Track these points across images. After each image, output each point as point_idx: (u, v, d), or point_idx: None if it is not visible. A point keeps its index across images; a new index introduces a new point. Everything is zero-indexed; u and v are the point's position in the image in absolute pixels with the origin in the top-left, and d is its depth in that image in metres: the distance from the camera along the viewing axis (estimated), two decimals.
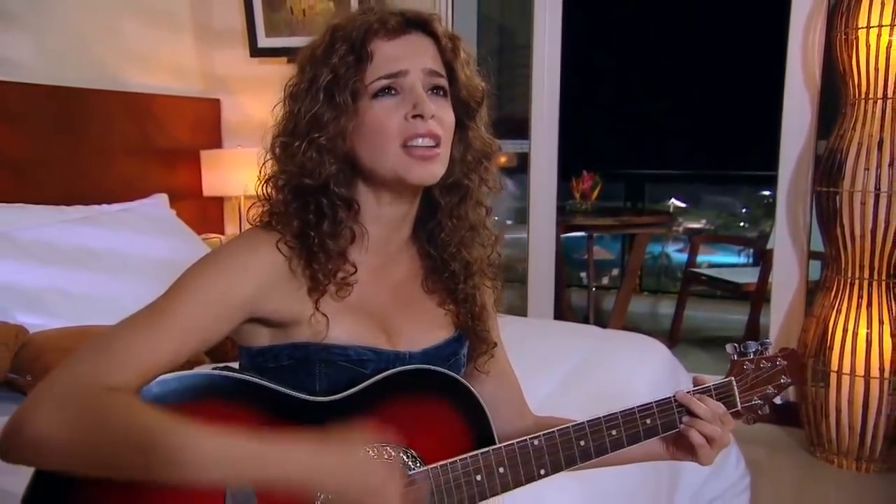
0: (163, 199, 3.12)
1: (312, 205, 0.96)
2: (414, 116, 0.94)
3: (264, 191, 1.00)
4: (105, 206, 2.83)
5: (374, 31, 0.96)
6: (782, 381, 1.17)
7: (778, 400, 1.18)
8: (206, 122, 3.61)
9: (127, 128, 3.16)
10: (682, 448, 1.10)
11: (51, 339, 1.92)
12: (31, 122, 2.77)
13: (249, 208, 1.02)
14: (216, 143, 3.64)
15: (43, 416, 0.79)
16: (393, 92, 0.96)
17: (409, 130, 0.94)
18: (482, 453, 0.98)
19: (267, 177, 1.00)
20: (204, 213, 3.51)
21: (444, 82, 1.00)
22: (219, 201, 3.54)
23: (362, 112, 0.96)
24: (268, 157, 1.00)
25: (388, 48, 0.96)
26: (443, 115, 0.97)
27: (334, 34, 0.97)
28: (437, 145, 0.96)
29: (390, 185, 0.99)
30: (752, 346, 1.17)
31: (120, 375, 0.83)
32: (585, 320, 4.56)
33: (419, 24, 0.99)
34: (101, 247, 2.53)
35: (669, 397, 1.08)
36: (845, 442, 2.76)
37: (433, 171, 0.97)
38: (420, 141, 0.95)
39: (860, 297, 2.72)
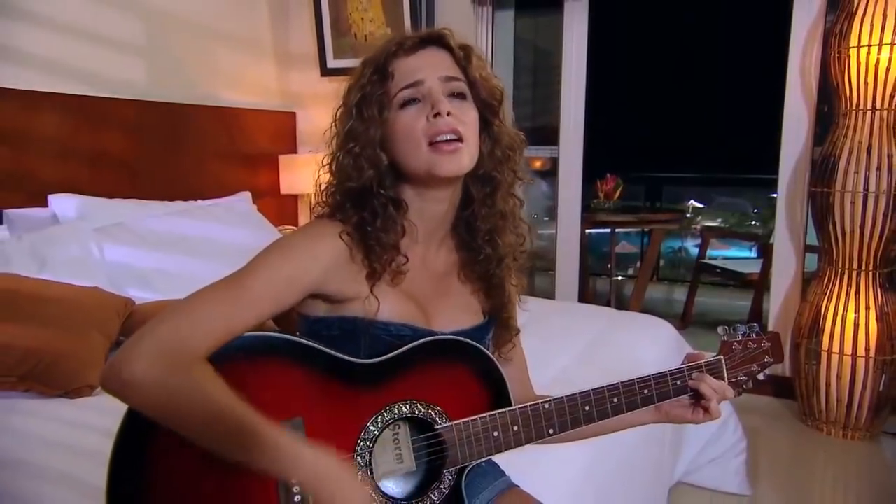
0: (247, 196, 3.17)
1: (367, 205, 0.96)
2: (434, 116, 0.94)
3: (322, 198, 1.02)
4: (200, 202, 2.89)
5: (392, 52, 0.96)
6: (766, 360, 1.15)
7: (761, 376, 1.16)
8: (283, 132, 3.66)
9: (218, 137, 3.23)
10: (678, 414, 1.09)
11: (152, 310, 1.97)
12: (142, 132, 2.86)
13: (313, 208, 1.04)
14: (292, 149, 3.69)
15: (140, 364, 0.81)
16: (416, 101, 0.95)
17: (431, 129, 0.94)
18: (499, 413, 0.98)
19: (322, 187, 1.02)
20: (281, 208, 3.56)
21: (462, 86, 0.98)
22: (294, 198, 3.60)
23: (392, 122, 0.96)
24: (322, 171, 1.02)
25: (406, 64, 0.96)
26: (462, 114, 0.96)
27: (364, 64, 0.98)
28: (460, 139, 0.94)
29: (427, 182, 0.98)
30: (741, 328, 1.15)
31: (204, 335, 0.85)
32: (608, 304, 4.55)
33: (433, 40, 0.99)
34: (195, 235, 2.59)
35: (665, 371, 1.06)
36: (834, 413, 2.72)
37: (460, 162, 0.95)
38: (443, 136, 0.94)
39: (849, 285, 2.67)
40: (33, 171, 2.48)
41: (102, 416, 0.86)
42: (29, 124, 2.47)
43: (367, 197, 0.97)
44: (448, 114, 0.94)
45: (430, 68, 0.97)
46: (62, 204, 2.45)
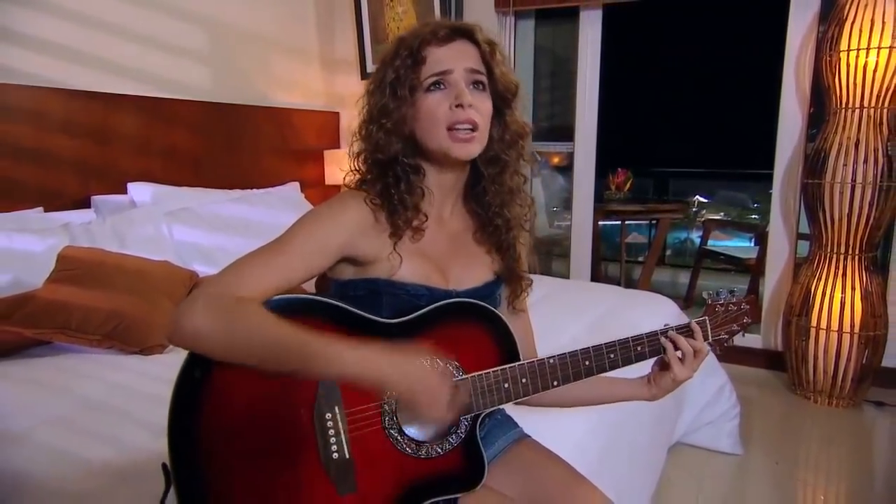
0: (296, 186, 3.22)
1: (390, 172, 0.98)
2: (457, 106, 0.94)
3: (354, 164, 1.02)
4: (255, 190, 2.93)
5: (427, 40, 0.96)
6: (745, 321, 1.15)
7: (740, 336, 1.16)
8: (328, 129, 3.68)
9: (271, 133, 3.27)
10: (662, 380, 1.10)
11: None
12: (206, 129, 2.92)
13: (345, 177, 1.03)
14: (335, 144, 3.71)
15: (195, 315, 0.82)
16: (441, 87, 0.96)
17: (452, 118, 0.95)
18: (510, 367, 0.98)
19: (354, 153, 1.02)
20: (326, 196, 3.46)
21: (483, 78, 0.98)
22: (337, 188, 3.56)
23: (419, 103, 0.96)
24: (355, 138, 1.01)
25: (438, 53, 0.96)
26: (480, 105, 0.96)
27: (399, 44, 0.98)
28: (475, 129, 0.96)
29: (440, 159, 0.99)
30: (723, 293, 1.15)
31: (247, 291, 0.86)
32: (618, 285, 4.52)
33: (464, 33, 0.99)
34: (251, 219, 2.64)
35: (656, 331, 1.06)
36: (821, 383, 2.70)
37: (471, 150, 0.97)
38: (461, 126, 0.95)
39: (837, 268, 2.64)
40: (115, 163, 2.56)
41: (170, 369, 0.90)
42: (112, 122, 2.55)
43: (392, 165, 0.98)
44: (469, 105, 0.94)
45: (458, 60, 0.97)
46: (139, 191, 2.52)
